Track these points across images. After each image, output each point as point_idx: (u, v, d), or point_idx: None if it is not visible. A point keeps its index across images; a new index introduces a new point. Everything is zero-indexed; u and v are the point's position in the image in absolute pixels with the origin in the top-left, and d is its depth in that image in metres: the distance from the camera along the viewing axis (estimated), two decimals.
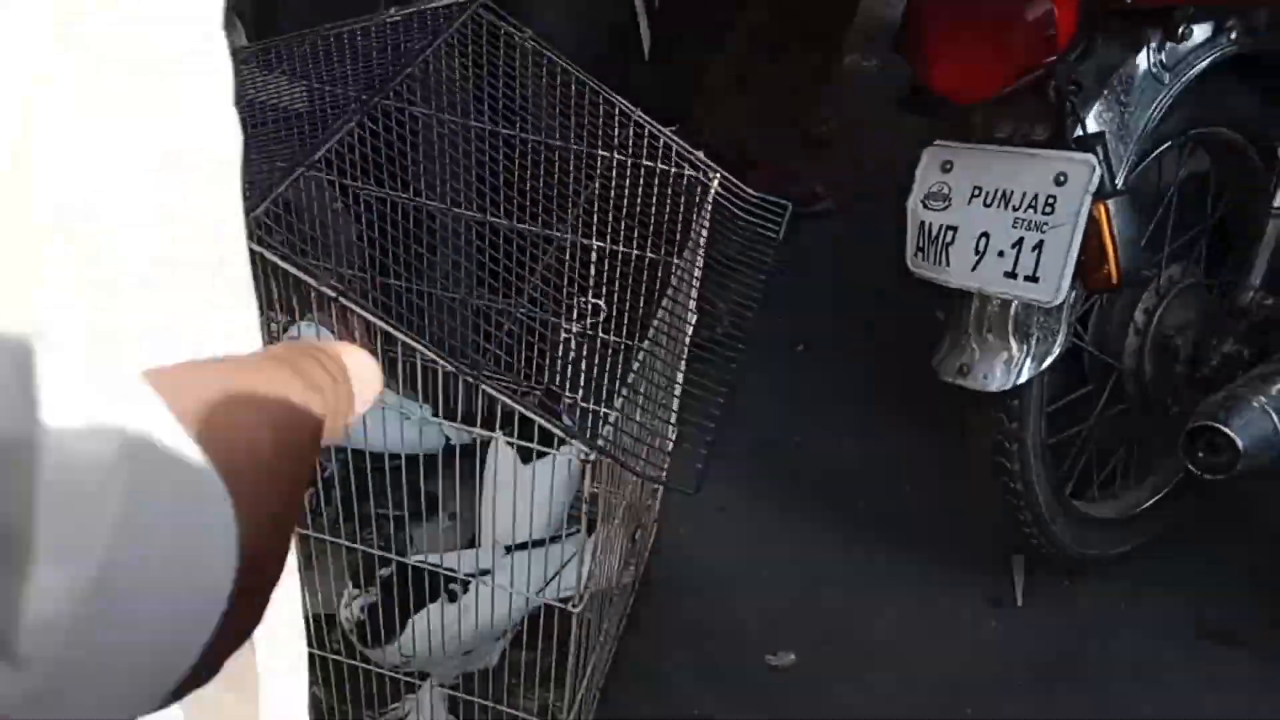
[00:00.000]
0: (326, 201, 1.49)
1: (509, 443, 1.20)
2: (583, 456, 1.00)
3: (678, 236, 1.36)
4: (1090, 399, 1.62)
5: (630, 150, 1.33)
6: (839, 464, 1.94)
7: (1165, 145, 1.44)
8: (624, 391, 1.09)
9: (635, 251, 1.36)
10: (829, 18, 2.24)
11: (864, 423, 2.00)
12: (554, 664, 1.28)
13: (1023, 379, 1.38)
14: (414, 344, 0.92)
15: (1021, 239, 1.30)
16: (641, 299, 1.49)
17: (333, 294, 0.92)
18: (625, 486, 1.22)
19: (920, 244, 1.39)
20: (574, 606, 1.17)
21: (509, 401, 0.95)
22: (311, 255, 1.58)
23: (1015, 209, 1.30)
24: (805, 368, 2.12)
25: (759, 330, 2.20)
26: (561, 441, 1.42)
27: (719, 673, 1.60)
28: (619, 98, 1.30)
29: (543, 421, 0.97)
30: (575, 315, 1.54)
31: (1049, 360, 1.39)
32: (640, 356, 1.13)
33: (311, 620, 1.31)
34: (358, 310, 0.92)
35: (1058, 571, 1.71)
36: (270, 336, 1.14)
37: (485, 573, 1.37)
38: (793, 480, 1.90)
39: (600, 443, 1.01)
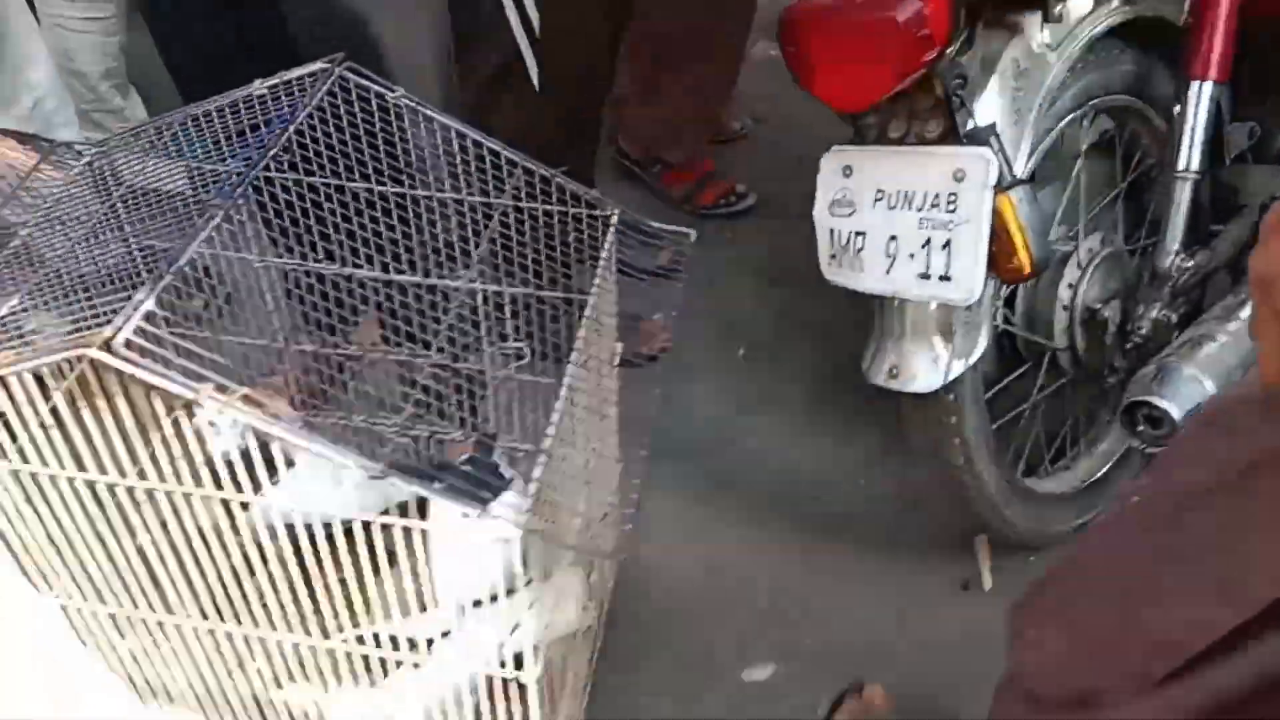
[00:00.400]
0: (248, 276, 1.47)
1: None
2: (505, 538, 0.98)
3: (588, 275, 1.34)
4: (1028, 378, 1.61)
5: (524, 196, 1.31)
6: (793, 466, 1.92)
7: (1066, 120, 1.42)
8: (544, 451, 1.07)
9: (547, 293, 1.34)
10: (728, 17, 2.22)
11: (813, 421, 1.99)
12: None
13: (952, 377, 1.37)
14: (290, 439, 0.90)
15: (929, 239, 1.28)
16: (561, 339, 1.47)
17: (216, 404, 0.90)
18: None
19: (833, 251, 1.37)
20: (525, 676, 1.15)
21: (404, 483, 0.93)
22: (231, 324, 1.56)
23: (919, 209, 1.28)
24: (749, 371, 2.10)
25: (700, 338, 2.21)
26: (499, 489, 1.40)
27: (697, 696, 1.59)
28: (500, 144, 1.28)
29: (447, 501, 0.95)
30: (500, 362, 1.52)
31: (975, 355, 1.37)
32: (557, 413, 1.10)
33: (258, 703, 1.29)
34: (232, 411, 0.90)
35: (1022, 549, 1.70)
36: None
37: (445, 634, 1.36)
38: (749, 488, 1.89)
39: (524, 514, 0.99)
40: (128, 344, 0.91)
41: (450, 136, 1.27)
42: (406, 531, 1.10)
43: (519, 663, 1.17)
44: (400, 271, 1.39)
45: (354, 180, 1.32)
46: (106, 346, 0.89)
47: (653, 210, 2.42)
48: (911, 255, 1.30)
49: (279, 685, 1.32)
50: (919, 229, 1.29)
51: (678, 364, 2.03)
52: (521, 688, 1.18)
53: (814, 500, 1.86)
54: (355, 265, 1.38)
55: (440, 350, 1.48)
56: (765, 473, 1.91)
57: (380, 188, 1.32)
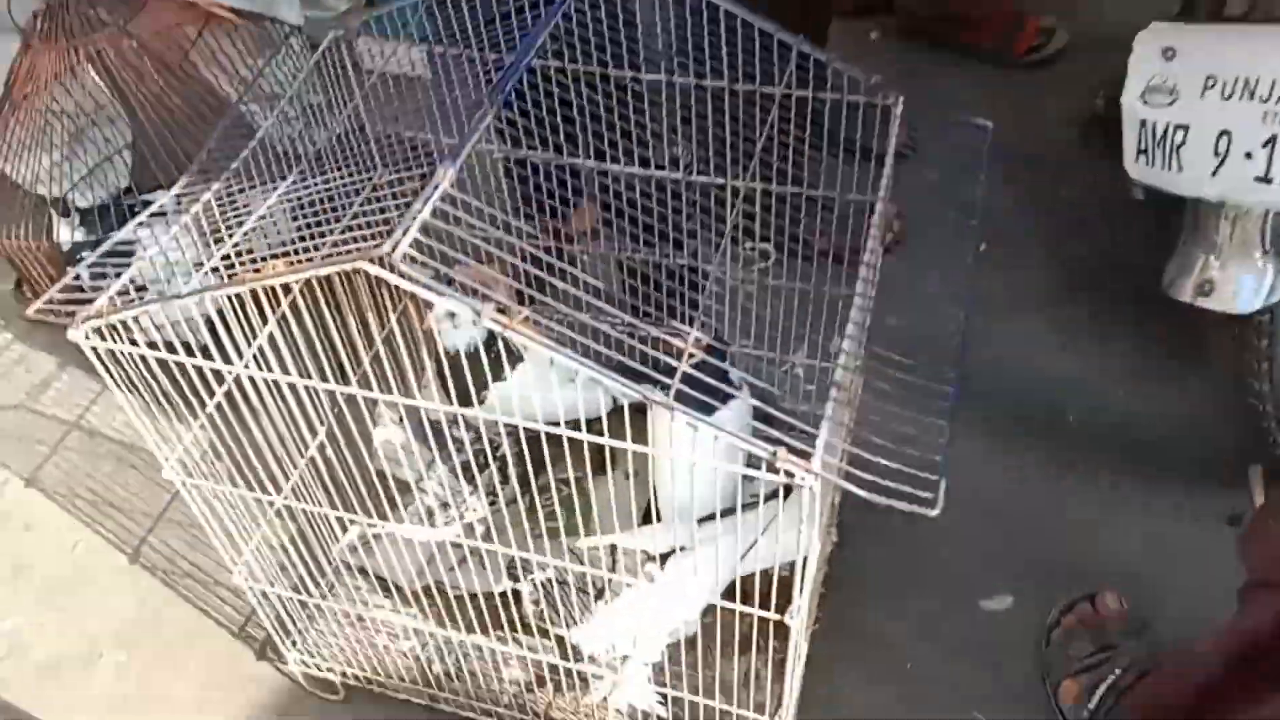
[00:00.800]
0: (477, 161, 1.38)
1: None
2: (803, 483, 0.87)
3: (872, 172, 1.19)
4: None
5: (806, 84, 1.16)
6: (1039, 376, 1.77)
7: None
8: (837, 384, 0.95)
9: (823, 194, 1.20)
10: None
11: (1060, 328, 1.82)
12: (763, 622, 1.15)
13: (1277, 297, 1.19)
14: (533, 342, 0.80)
15: (1274, 136, 1.09)
16: (814, 236, 1.34)
17: (483, 319, 0.80)
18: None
19: (1143, 145, 1.19)
20: (790, 618, 1.05)
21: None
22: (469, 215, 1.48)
23: (1264, 100, 1.09)
24: (989, 268, 1.92)
25: (934, 228, 2.03)
26: (728, 396, 1.29)
27: (932, 623, 1.49)
28: (771, 25, 1.13)
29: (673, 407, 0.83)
30: (742, 262, 1.40)
31: None
32: (850, 338, 0.97)
33: (484, 598, 1.24)
34: (508, 329, 0.80)
35: None
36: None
37: (681, 549, 1.28)
38: (990, 399, 1.74)
39: (819, 459, 0.87)
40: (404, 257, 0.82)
41: (718, 16, 1.13)
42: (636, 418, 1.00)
43: (784, 596, 1.07)
44: (645, 163, 1.27)
45: (605, 66, 1.19)
46: (383, 260, 0.80)
47: (943, 75, 2.23)
48: (1248, 155, 1.11)
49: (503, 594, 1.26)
50: (1262, 124, 1.10)
51: (909, 258, 1.87)
52: (781, 627, 1.09)
53: (1063, 416, 1.71)
54: (598, 157, 1.27)
55: (677, 244, 1.37)
56: (1008, 382, 1.76)
57: (634, 74, 1.19)
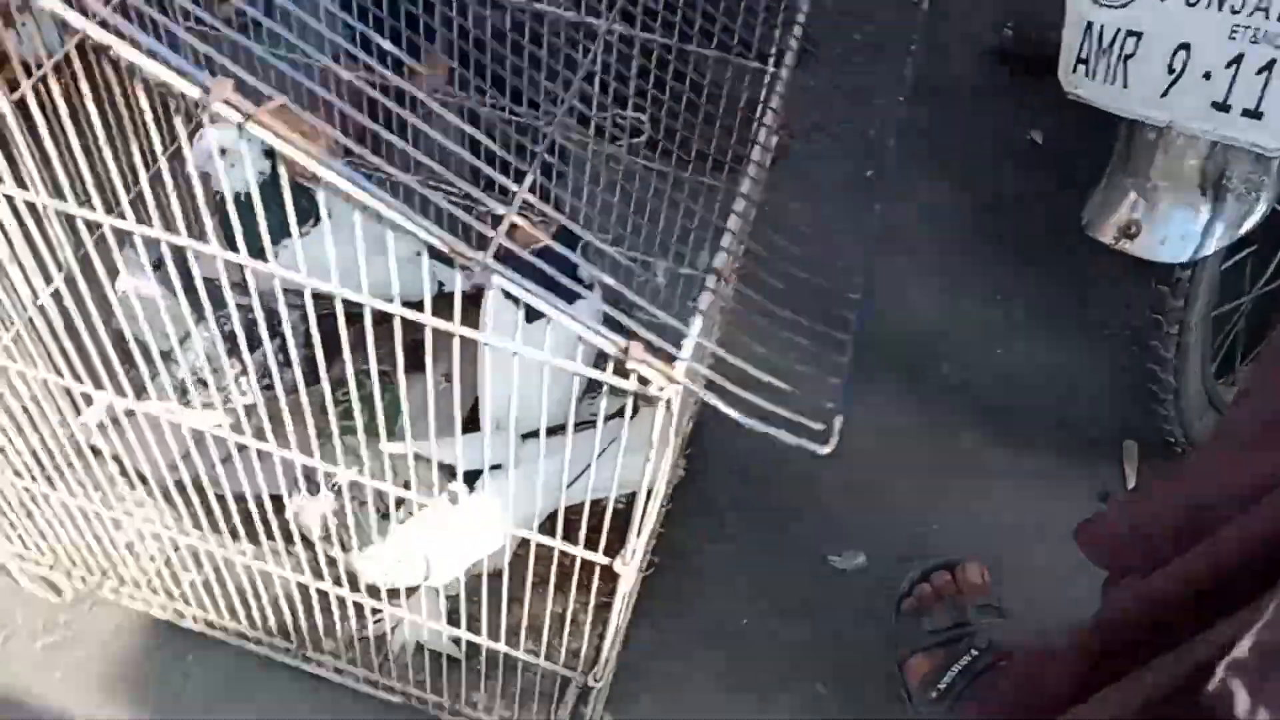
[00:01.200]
0: None
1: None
2: (660, 394, 0.67)
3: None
4: (1253, 264, 1.27)
5: None
6: (915, 323, 1.61)
7: None
8: (715, 272, 0.75)
9: (713, 53, 1.00)
10: None
11: (944, 271, 1.67)
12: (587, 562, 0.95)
13: (1210, 250, 1.04)
14: (333, 178, 0.58)
15: (1241, 55, 0.93)
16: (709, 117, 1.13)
17: (212, 99, 0.57)
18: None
19: (1084, 54, 1.02)
20: (623, 564, 0.86)
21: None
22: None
23: (1235, 12, 0.93)
24: (874, 201, 1.76)
25: (822, 152, 1.85)
26: (574, 295, 1.08)
27: (775, 576, 1.34)
28: None
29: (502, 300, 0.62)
30: (606, 135, 1.18)
31: (1247, 226, 1.04)
32: (731, 231, 0.77)
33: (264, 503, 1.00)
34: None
35: (1175, 458, 1.42)
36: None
37: (495, 468, 1.07)
38: (862, 345, 1.57)
39: (684, 365, 0.67)
40: (123, 6, 0.57)
41: None
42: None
43: (617, 533, 0.88)
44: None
45: None
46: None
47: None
48: (1207, 75, 0.95)
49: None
50: (1229, 39, 0.94)
51: (791, 177, 1.69)
52: (609, 572, 0.89)
53: (936, 367, 1.57)
54: None
55: (532, 103, 1.14)
56: (880, 326, 1.60)
57: None
